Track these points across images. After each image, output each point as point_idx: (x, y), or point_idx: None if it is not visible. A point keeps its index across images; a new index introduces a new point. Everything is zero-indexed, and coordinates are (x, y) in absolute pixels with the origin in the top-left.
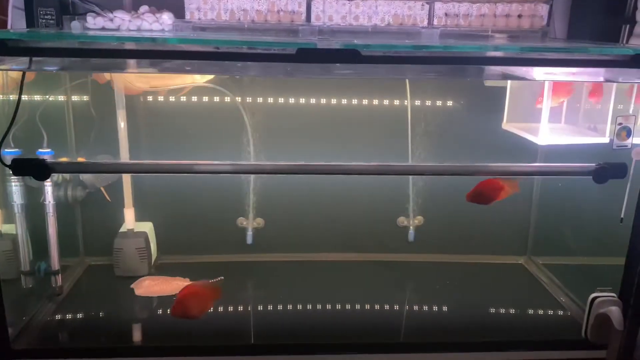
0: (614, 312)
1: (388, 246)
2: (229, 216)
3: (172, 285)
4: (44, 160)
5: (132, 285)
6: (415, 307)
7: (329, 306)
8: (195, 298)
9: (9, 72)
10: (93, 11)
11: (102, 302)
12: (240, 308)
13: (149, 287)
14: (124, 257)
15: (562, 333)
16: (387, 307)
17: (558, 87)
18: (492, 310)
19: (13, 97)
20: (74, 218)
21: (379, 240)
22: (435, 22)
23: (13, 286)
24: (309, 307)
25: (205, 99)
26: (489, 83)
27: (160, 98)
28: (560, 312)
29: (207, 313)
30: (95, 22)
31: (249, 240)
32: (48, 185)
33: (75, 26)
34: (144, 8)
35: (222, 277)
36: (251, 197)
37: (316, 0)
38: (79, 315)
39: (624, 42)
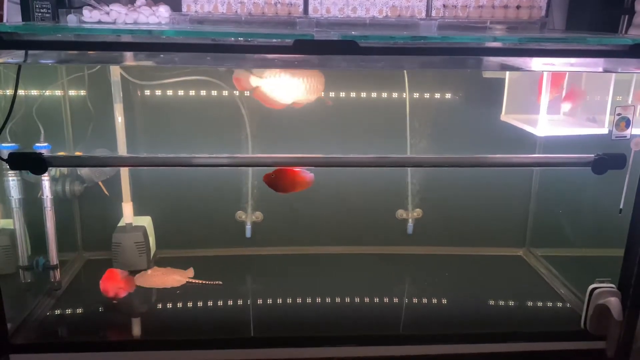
0: (613, 302)
1: (387, 239)
2: (227, 210)
3: (172, 278)
4: (40, 154)
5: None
6: (415, 300)
7: (328, 299)
8: (113, 282)
9: None
10: (89, 4)
11: (100, 296)
12: (240, 301)
13: (150, 277)
14: (122, 252)
15: (561, 324)
16: (386, 299)
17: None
18: (491, 302)
19: (9, 91)
20: (72, 213)
21: (378, 233)
22: (434, 13)
23: (11, 281)
24: (308, 300)
25: (203, 92)
26: (487, 74)
27: (158, 92)
28: (559, 304)
29: (208, 307)
30: (91, 16)
31: (248, 233)
32: (45, 180)
33: (71, 20)
34: (140, 1)
35: (221, 282)
36: (250, 190)
37: None
38: (78, 310)
39: (623, 32)
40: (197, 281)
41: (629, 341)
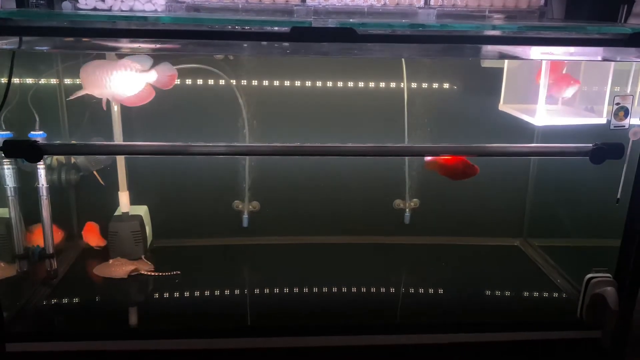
0: (610, 292)
1: (384, 229)
2: (224, 199)
3: (129, 268)
4: (35, 141)
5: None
6: (411, 289)
7: (324, 289)
8: (92, 233)
9: None
10: None
11: (96, 285)
12: (237, 291)
13: (110, 267)
14: (119, 241)
15: (558, 314)
16: (383, 289)
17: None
18: (488, 291)
19: (3, 79)
20: (68, 201)
21: (375, 222)
22: (432, 2)
23: (7, 270)
24: (305, 289)
25: (200, 81)
26: (485, 64)
27: None
28: (556, 293)
29: (205, 296)
30: (86, 3)
31: (245, 223)
32: (41, 169)
33: (66, 6)
34: None
35: (179, 272)
36: (247, 179)
37: None
38: (74, 299)
39: (623, 21)
40: (154, 274)
41: (624, 331)
